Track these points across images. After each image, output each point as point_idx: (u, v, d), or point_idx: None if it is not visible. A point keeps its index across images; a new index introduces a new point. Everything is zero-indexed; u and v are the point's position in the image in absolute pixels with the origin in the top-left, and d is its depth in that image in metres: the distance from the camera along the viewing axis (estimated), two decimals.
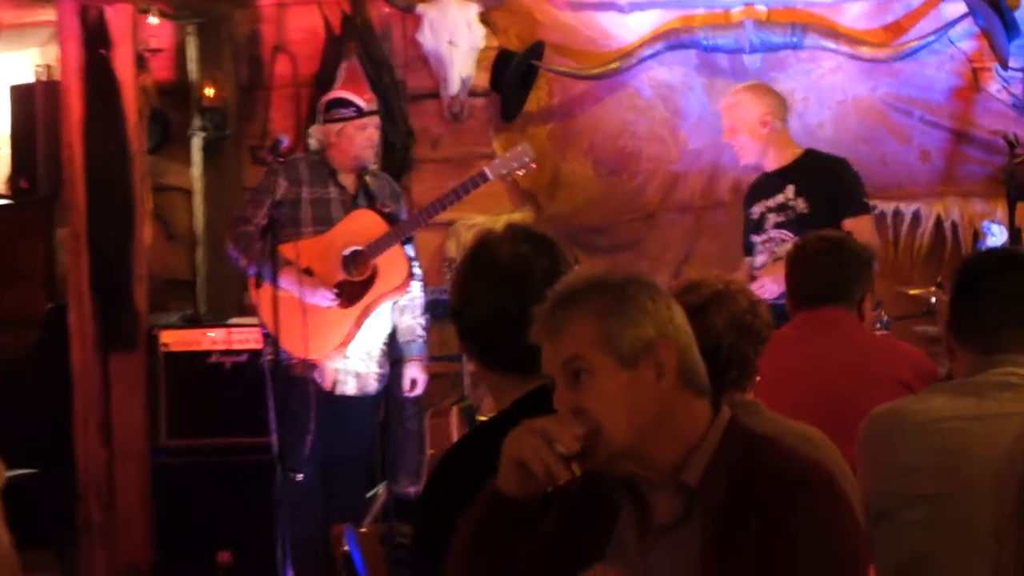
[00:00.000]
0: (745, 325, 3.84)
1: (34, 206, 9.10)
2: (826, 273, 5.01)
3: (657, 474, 2.81)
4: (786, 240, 7.02)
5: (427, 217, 7.46)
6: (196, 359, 8.17)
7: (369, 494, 8.10)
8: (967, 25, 8.06)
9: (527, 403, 3.37)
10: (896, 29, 8.33)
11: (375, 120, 7.57)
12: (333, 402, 7.30)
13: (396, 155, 8.84)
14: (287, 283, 7.10)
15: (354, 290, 7.18)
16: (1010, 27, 7.91)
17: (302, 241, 7.18)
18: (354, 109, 7.42)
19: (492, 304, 3.59)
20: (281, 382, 7.10)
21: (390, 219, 7.34)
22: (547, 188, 8.56)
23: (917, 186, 8.29)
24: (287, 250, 7.11)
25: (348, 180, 7.39)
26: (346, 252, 7.18)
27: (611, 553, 2.86)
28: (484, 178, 7.39)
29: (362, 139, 7.43)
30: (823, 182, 7.20)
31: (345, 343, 7.22)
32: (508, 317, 3.48)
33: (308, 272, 7.20)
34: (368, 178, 7.47)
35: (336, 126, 7.35)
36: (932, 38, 8.14)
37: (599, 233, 8.55)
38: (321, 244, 7.21)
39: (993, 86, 8.16)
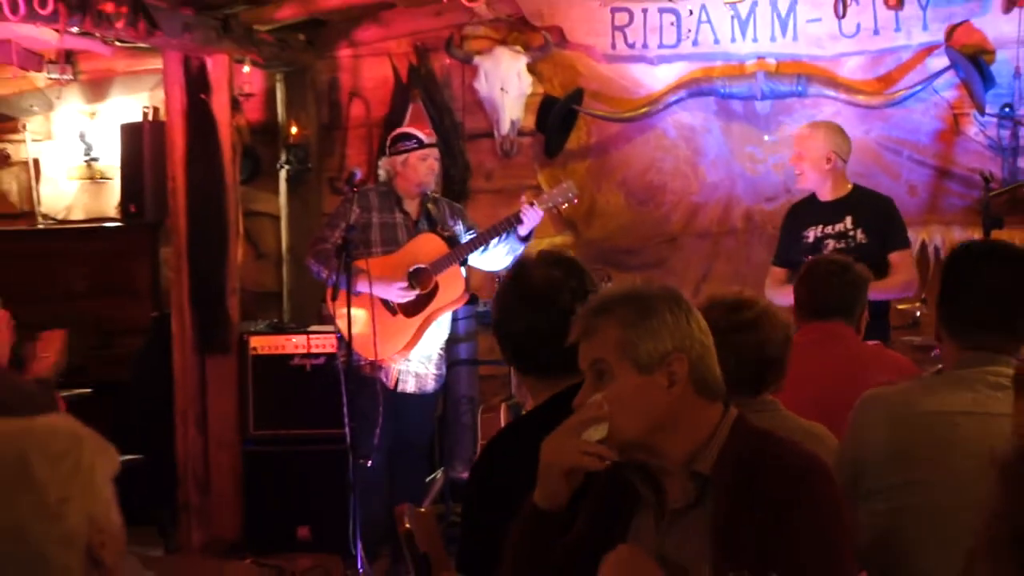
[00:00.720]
0: (789, 336, 3.95)
1: (141, 229, 9.15)
2: (835, 291, 5.02)
3: (669, 464, 2.88)
4: None
5: (482, 242, 7.47)
6: (280, 361, 8.27)
7: (428, 479, 8.09)
8: (949, 76, 8.07)
9: (558, 400, 3.49)
10: (888, 80, 8.29)
11: (435, 152, 7.63)
12: (396, 398, 7.39)
13: (455, 186, 8.88)
14: (363, 286, 7.16)
15: (418, 302, 7.28)
16: (986, 78, 7.94)
17: (372, 259, 7.26)
18: (416, 141, 7.48)
19: (525, 320, 3.72)
20: (352, 381, 7.24)
21: (450, 241, 7.40)
22: (584, 216, 8.56)
23: (905, 215, 7.55)
24: (360, 264, 7.20)
25: (412, 206, 7.45)
26: (411, 269, 7.23)
27: (632, 536, 2.95)
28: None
29: (424, 168, 7.47)
30: (876, 217, 7.11)
31: (408, 347, 7.32)
32: (538, 331, 3.64)
33: None
34: (430, 205, 7.53)
35: (401, 157, 7.41)
36: (919, 88, 8.13)
37: (630, 254, 8.54)
38: (390, 262, 7.28)
39: (971, 129, 8.10)
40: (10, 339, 5.02)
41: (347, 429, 7.20)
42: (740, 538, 2.74)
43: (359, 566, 7.15)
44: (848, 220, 7.01)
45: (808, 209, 7.20)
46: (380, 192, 7.61)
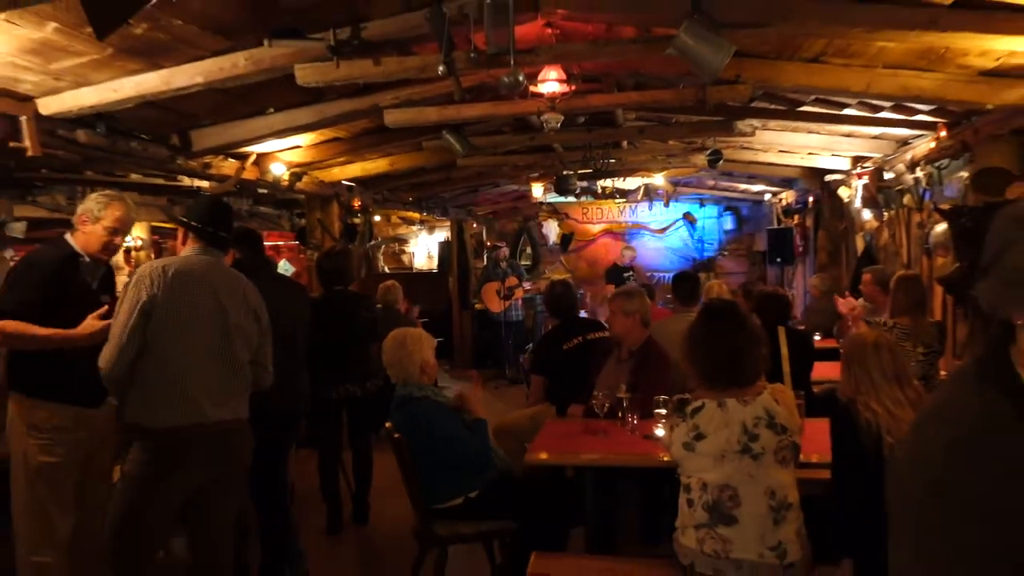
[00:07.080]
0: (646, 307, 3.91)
1: (441, 275, 11.28)
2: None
3: (626, 344, 3.40)
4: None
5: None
6: (483, 312, 10.60)
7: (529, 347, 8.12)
8: (683, 227, 11.59)
9: (562, 324, 4.46)
10: (664, 228, 11.53)
11: (505, 250, 10.19)
12: (510, 322, 9.98)
13: (535, 261, 11.94)
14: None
15: (508, 296, 9.79)
16: (695, 228, 11.69)
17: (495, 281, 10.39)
18: (500, 250, 10.36)
19: (551, 306, 4.63)
20: (501, 319, 10.17)
21: (520, 278, 9.87)
22: (574, 268, 11.47)
23: (668, 270, 11.02)
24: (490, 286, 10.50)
25: (503, 264, 10.09)
26: (509, 285, 9.82)
27: (605, 370, 3.46)
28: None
29: (500, 256, 9.90)
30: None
31: (502, 308, 9.81)
32: (552, 310, 4.66)
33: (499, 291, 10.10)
34: (504, 261, 9.96)
35: (496, 252, 10.22)
36: (674, 230, 11.70)
37: (589, 283, 10.74)
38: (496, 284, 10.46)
39: (690, 243, 11.54)
40: (407, 308, 5.92)
41: (503, 330, 9.95)
42: (637, 372, 3.20)
43: (506, 372, 9.74)
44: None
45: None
46: (495, 259, 10.45)
